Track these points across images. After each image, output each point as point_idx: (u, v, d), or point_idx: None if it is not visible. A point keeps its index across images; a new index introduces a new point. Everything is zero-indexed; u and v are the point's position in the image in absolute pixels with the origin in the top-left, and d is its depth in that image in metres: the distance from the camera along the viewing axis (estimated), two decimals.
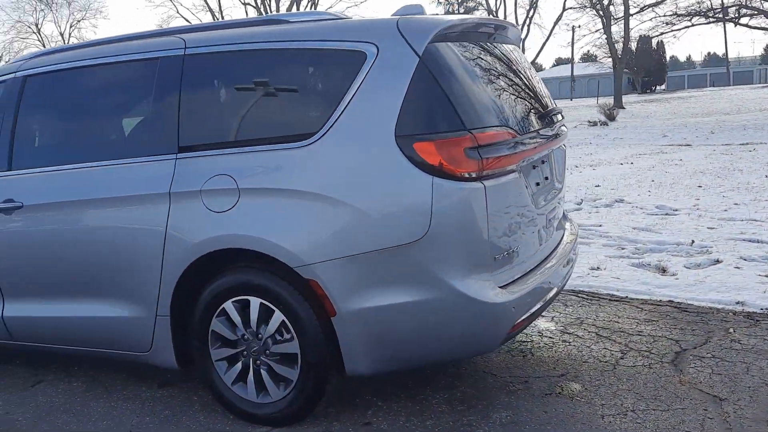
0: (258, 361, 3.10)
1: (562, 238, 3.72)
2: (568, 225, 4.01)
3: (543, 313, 3.69)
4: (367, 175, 2.82)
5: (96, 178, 3.35)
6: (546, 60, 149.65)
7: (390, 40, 2.87)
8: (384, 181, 2.79)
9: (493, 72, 3.23)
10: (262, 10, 44.98)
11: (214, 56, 3.23)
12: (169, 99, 3.24)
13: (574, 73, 62.53)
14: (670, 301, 4.48)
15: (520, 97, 3.34)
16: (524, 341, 3.93)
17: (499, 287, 2.89)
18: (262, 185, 2.96)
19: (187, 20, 51.41)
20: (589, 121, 26.22)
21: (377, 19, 3.06)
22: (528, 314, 3.00)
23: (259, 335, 3.06)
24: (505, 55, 3.50)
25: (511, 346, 3.85)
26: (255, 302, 3.03)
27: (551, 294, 3.24)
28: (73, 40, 65.60)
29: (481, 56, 3.20)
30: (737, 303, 4.33)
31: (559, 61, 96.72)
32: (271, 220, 2.95)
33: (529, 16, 48.88)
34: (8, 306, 3.65)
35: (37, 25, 66.70)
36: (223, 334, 3.14)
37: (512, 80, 3.36)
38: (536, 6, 49.15)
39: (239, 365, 3.14)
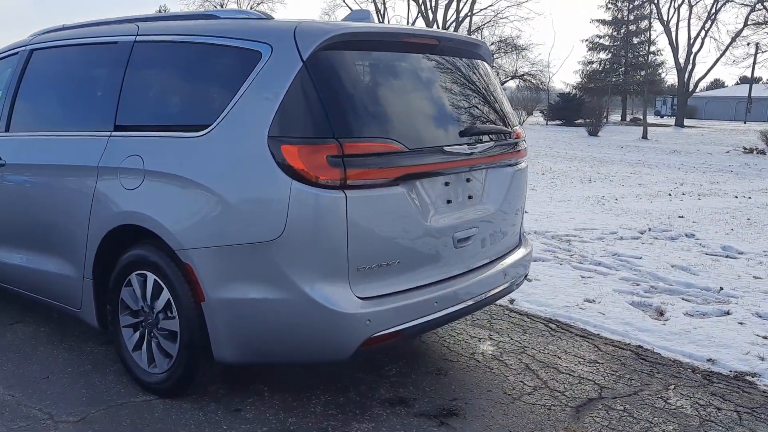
0: (151, 333, 3.31)
1: (493, 261, 3.60)
2: (517, 250, 3.87)
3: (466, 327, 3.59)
4: (240, 170, 2.93)
5: (53, 145, 3.75)
6: (730, 78, 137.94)
7: (283, 42, 2.94)
8: (253, 179, 2.89)
9: (407, 84, 3.20)
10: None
11: (152, 45, 3.48)
12: (116, 80, 3.53)
13: (758, 95, 57.50)
14: (639, 346, 4.17)
15: (438, 113, 3.28)
16: (451, 360, 3.85)
17: (360, 298, 2.89)
18: (161, 169, 3.16)
19: (350, 8, 53.13)
20: (745, 148, 24.12)
21: (281, 21, 3.13)
22: (390, 331, 2.96)
23: (153, 309, 3.28)
24: (446, 69, 3.45)
25: (434, 362, 3.79)
26: (150, 278, 3.25)
27: (439, 315, 3.17)
28: None
29: (395, 67, 3.18)
30: (708, 360, 3.95)
31: (743, 80, 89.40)
32: (163, 203, 3.15)
33: (705, 28, 45.55)
34: None
35: (222, 5, 71.92)
36: (129, 304, 3.39)
37: (435, 94, 3.32)
38: (714, 18, 45.67)
39: (137, 334, 3.38)
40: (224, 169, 2.98)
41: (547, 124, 44.08)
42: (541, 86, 48.61)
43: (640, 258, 6.40)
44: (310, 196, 2.77)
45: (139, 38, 3.53)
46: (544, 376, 3.66)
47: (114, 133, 3.44)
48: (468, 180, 3.42)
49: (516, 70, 48.83)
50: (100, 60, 3.73)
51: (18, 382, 3.48)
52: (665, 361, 3.95)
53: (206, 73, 3.28)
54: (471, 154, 3.33)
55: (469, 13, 46.39)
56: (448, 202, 3.28)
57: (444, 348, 4.05)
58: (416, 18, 48.79)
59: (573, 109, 41.97)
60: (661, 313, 4.79)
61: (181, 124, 3.19)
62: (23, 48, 4.23)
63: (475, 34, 48.01)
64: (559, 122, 43.30)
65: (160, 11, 67.95)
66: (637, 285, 5.48)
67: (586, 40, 59.59)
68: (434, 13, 45.56)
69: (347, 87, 2.93)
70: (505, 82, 49.40)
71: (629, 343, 4.21)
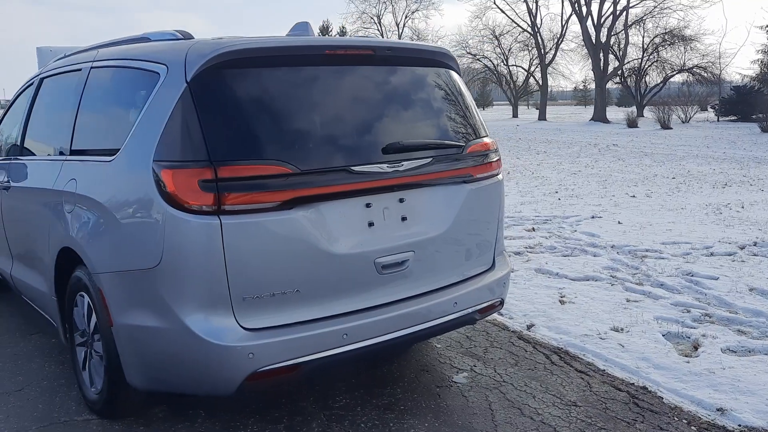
0: (90, 353, 3.39)
1: (439, 289, 3.27)
2: (484, 275, 3.50)
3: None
4: (133, 195, 2.90)
5: (36, 168, 3.98)
6: None
7: (176, 63, 2.87)
8: (141, 205, 2.84)
9: (314, 101, 2.98)
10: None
11: (98, 70, 3.57)
12: (74, 105, 3.66)
13: None
14: (643, 388, 3.60)
15: (353, 130, 3.04)
16: (409, 392, 3.56)
17: (247, 329, 2.74)
18: (85, 193, 3.22)
19: (501, 10, 52.18)
20: None
21: (190, 42, 3.04)
22: (283, 365, 2.78)
23: (89, 330, 3.34)
24: (381, 81, 3.21)
25: (390, 393, 3.53)
26: (85, 300, 3.32)
27: (349, 349, 2.93)
28: (406, 30, 71.18)
29: (299, 83, 2.98)
30: (717, 410, 3.32)
31: None
32: (85, 227, 3.20)
33: None
34: (14, 266, 4.47)
35: (378, 16, 73.96)
36: (77, 323, 3.49)
37: (354, 110, 3.08)
38: None
39: (83, 353, 3.47)
40: (123, 194, 2.97)
41: (718, 120, 40.31)
42: (712, 79, 44.61)
43: (716, 279, 5.57)
44: (183, 222, 2.67)
45: (94, 64, 3.64)
46: (499, 419, 3.26)
47: (68, 158, 3.56)
48: (401, 200, 3.14)
49: (684, 63, 45.28)
50: (69, 87, 3.89)
51: None
52: (662, 408, 3.37)
53: (123, 96, 3.30)
54: (394, 172, 3.04)
55: (627, 6, 43.66)
56: (370, 224, 3.03)
57: (412, 376, 3.76)
58: (570, 15, 46.85)
59: (749, 103, 37.95)
60: (696, 348, 4.11)
61: (104, 149, 3.22)
62: (37, 77, 4.53)
63: (636, 27, 45.18)
64: (734, 118, 39.40)
65: (323, 28, 70.93)
66: (688, 312, 4.76)
67: (766, 27, 53.86)
68: (588, 6, 43.38)
69: (230, 108, 2.79)
70: (671, 76, 45.97)
71: (633, 383, 3.65)
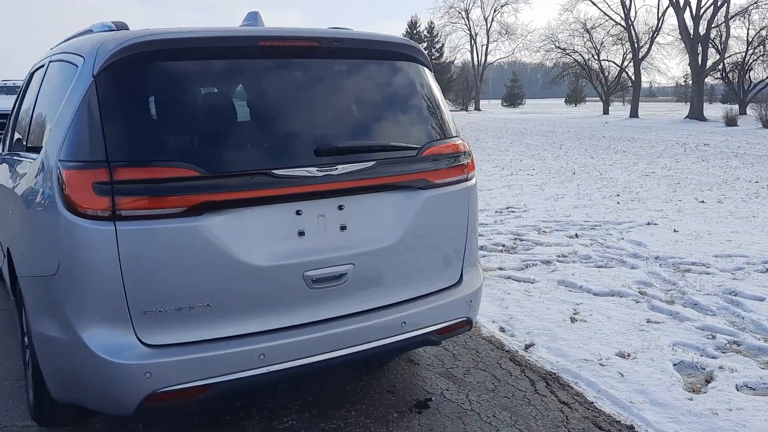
0: (27, 359, 3.28)
1: (386, 307, 2.95)
2: (446, 291, 3.15)
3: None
4: (43, 197, 2.73)
5: (5, 165, 3.89)
6: None
7: (90, 55, 2.68)
8: (46, 207, 2.67)
9: (234, 98, 2.73)
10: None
11: (51, 64, 3.44)
12: (33, 100, 3.56)
13: None
14: (629, 427, 3.15)
15: (279, 130, 2.76)
16: (359, 419, 3.25)
17: (149, 345, 2.52)
18: (17, 193, 3.09)
19: (595, 3, 50.29)
20: None
21: (106, 33, 2.85)
22: (188, 386, 2.54)
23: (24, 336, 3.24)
24: (324, 76, 2.94)
25: (340, 417, 3.23)
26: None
27: (267, 371, 2.66)
28: (495, 25, 69.89)
29: (220, 78, 2.73)
30: None
31: None
32: (14, 229, 3.08)
33: None
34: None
35: (466, 10, 73.07)
36: (20, 327, 3.39)
37: (283, 109, 2.80)
38: None
39: (27, 357, 3.37)
40: (37, 195, 2.81)
41: None
42: None
43: (762, 300, 4.92)
44: (76, 227, 2.47)
45: (51, 57, 3.53)
46: None
47: (21, 154, 3.46)
48: (341, 207, 2.83)
49: None
50: (36, 81, 3.80)
51: None
52: None
53: (55, 90, 3.14)
54: (325, 177, 2.74)
55: None
56: (301, 234, 2.74)
57: (375, 397, 3.44)
58: (667, 7, 44.49)
59: None
60: (707, 382, 3.58)
61: (35, 146, 3.09)
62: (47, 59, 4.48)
63: (741, 18, 42.39)
64: None
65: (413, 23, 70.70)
66: (712, 338, 4.19)
67: None
68: None
69: (135, 105, 2.57)
70: None
71: (619, 421, 3.20)
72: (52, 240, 2.59)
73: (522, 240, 7.14)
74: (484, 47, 76.35)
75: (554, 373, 3.75)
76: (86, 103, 2.56)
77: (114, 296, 2.48)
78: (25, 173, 3.06)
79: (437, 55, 77.02)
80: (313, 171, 2.71)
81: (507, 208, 9.20)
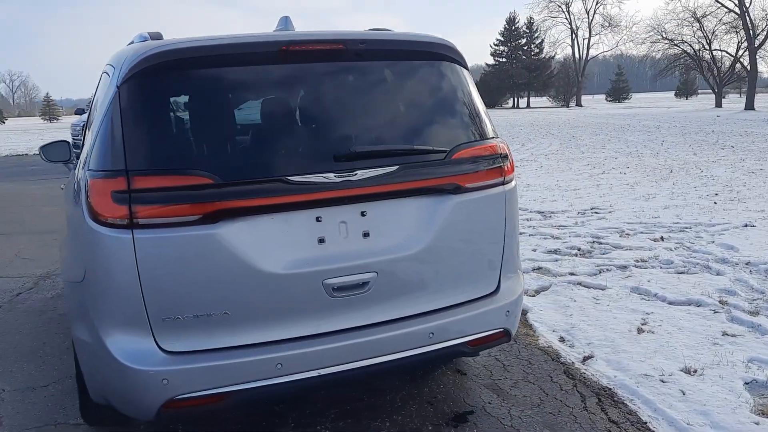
0: None
1: (413, 317, 2.86)
2: (480, 301, 3.01)
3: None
4: (77, 206, 2.82)
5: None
6: None
7: (117, 65, 2.75)
8: (77, 216, 2.75)
9: (255, 104, 2.72)
10: None
11: (101, 75, 3.55)
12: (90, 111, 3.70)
13: None
14: None
15: (297, 136, 2.73)
16: None
17: (168, 352, 2.55)
18: (65, 200, 3.22)
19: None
20: None
21: (138, 44, 2.89)
22: (204, 394, 2.55)
23: None
24: (349, 79, 2.88)
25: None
26: None
27: (285, 381, 2.63)
28: (597, 17, 67.51)
29: (241, 85, 2.71)
30: None
31: None
32: (65, 235, 3.21)
33: None
34: None
35: (567, 4, 71.00)
36: None
37: (305, 114, 2.77)
38: None
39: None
40: (73, 203, 2.91)
41: None
42: None
43: None
44: (98, 235, 2.53)
45: (103, 68, 3.65)
46: None
47: (75, 164, 3.61)
48: (363, 214, 2.76)
49: None
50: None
51: None
52: None
53: (96, 100, 3.24)
54: (344, 183, 2.67)
55: None
56: (321, 241, 2.69)
57: (413, 408, 3.34)
58: (750, 3, 41.30)
59: None
60: None
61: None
62: None
63: None
64: None
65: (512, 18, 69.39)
66: None
67: None
68: None
69: (155, 114, 2.60)
70: None
71: None
72: (80, 247, 2.67)
73: (601, 243, 6.79)
74: (586, 41, 74.06)
75: (609, 389, 3.51)
76: (110, 113, 2.62)
77: (133, 303, 2.51)
78: (71, 183, 3.18)
79: (537, 51, 75.39)
80: (330, 177, 2.65)
81: (591, 209, 8.80)
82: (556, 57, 77.27)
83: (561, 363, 3.87)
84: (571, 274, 5.69)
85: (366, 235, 2.76)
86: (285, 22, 3.22)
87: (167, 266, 2.50)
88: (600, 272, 5.69)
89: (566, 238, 7.04)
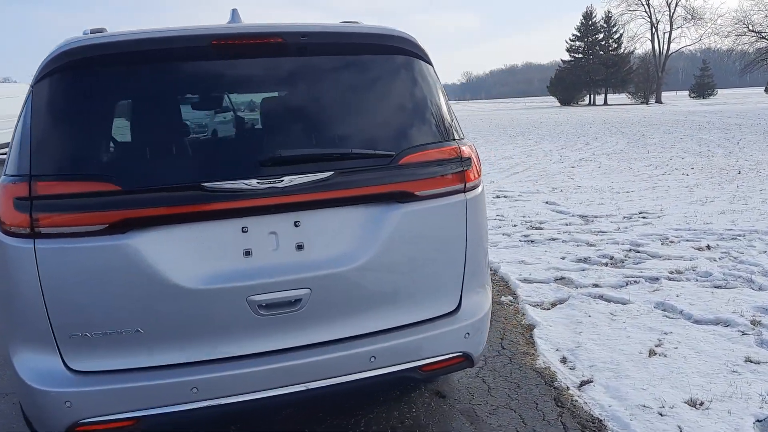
0: None
1: (353, 338, 2.59)
2: (436, 321, 2.72)
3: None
4: None
5: None
6: None
7: (44, 63, 2.59)
8: None
9: (173, 105, 2.51)
10: None
11: None
12: None
13: None
14: None
15: (218, 139, 2.51)
16: None
17: (76, 372, 2.38)
18: None
19: None
20: None
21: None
22: (111, 418, 2.37)
23: None
24: (288, 76, 2.64)
25: None
26: None
27: (200, 406, 2.42)
28: (679, 10, 64.58)
29: (160, 83, 2.50)
30: None
31: None
32: None
33: None
34: None
35: None
36: None
37: (223, 118, 2.53)
38: None
39: None
40: None
41: None
42: None
43: None
44: (1, 245, 2.37)
45: None
46: None
47: None
48: (297, 224, 2.51)
49: None
50: None
51: None
52: None
53: None
54: (269, 190, 2.42)
55: None
56: (247, 253, 2.46)
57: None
58: None
59: None
60: None
61: None
62: None
63: None
64: None
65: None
66: None
67: None
68: None
69: (61, 115, 2.41)
70: None
71: None
72: None
73: (637, 251, 6.28)
74: (667, 35, 70.96)
75: (599, 420, 3.13)
76: (23, 115, 2.48)
77: (37, 318, 2.35)
78: None
79: (614, 46, 72.94)
80: (253, 183, 2.41)
81: (639, 213, 8.22)
82: (635, 52, 74.49)
83: (554, 388, 3.50)
84: (595, 285, 5.25)
85: (300, 247, 2.51)
86: (233, 15, 3.00)
87: (73, 279, 2.33)
88: (627, 284, 5.22)
89: (601, 245, 6.55)
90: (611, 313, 4.55)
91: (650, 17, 71.20)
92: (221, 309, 2.43)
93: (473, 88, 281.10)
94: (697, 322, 4.33)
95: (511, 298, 5.08)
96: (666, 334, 4.12)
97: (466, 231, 2.76)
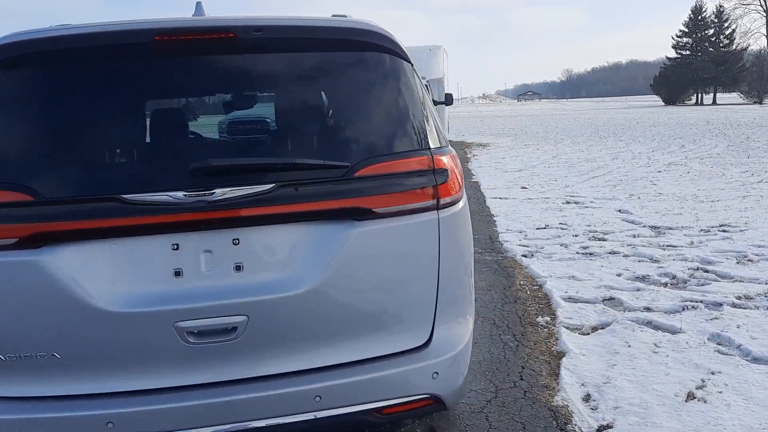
0: None
1: (299, 373, 2.29)
2: (400, 357, 2.37)
3: None
4: None
5: None
6: None
7: None
8: None
9: (99, 108, 2.26)
10: None
11: None
12: None
13: None
14: None
15: (148, 148, 2.26)
16: None
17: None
18: None
19: None
20: None
21: None
22: None
23: None
24: (239, 75, 2.37)
25: None
26: None
27: None
28: None
29: (89, 84, 2.26)
30: None
31: None
32: None
33: None
34: None
35: None
36: None
37: (156, 122, 2.28)
38: None
39: None
40: None
41: None
42: None
43: None
44: None
45: None
46: None
47: None
48: (235, 242, 2.23)
49: None
50: None
51: None
52: None
53: None
54: (197, 204, 2.14)
55: None
56: (177, 274, 2.20)
57: None
58: None
59: None
60: None
61: None
62: None
63: None
64: None
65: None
66: None
67: None
68: None
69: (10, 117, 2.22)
70: None
71: None
72: None
73: (706, 271, 5.61)
74: None
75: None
76: None
77: None
78: None
79: (726, 42, 68.74)
80: (178, 196, 2.14)
81: (720, 226, 7.44)
82: (749, 49, 69.85)
83: None
84: (646, 309, 4.69)
85: (238, 268, 2.23)
86: (198, 7, 2.74)
87: None
88: (683, 309, 4.63)
89: (666, 262, 5.91)
90: (655, 344, 4.01)
91: (766, 11, 66.52)
92: (145, 335, 2.18)
93: (573, 86, 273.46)
94: (755, 360, 3.73)
95: (548, 319, 4.60)
96: (713, 373, 3.55)
97: (439, 254, 2.39)
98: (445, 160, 2.43)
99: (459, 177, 2.49)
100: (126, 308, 2.15)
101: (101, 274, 2.14)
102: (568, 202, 9.50)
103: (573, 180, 11.99)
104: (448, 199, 2.41)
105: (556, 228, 7.67)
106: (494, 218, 8.51)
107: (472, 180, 12.74)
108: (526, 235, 7.33)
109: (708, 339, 4.06)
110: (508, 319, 4.63)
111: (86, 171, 2.18)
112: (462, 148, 21.15)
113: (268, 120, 2.37)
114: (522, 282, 5.55)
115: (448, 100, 20.17)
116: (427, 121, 2.46)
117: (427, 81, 19.56)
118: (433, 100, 19.07)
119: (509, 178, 12.77)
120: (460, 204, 2.47)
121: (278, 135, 2.35)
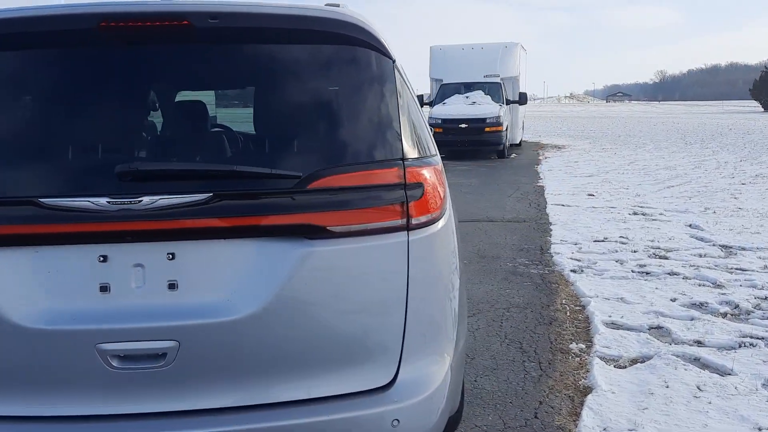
0: None
1: (214, 413, 2.02)
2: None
3: None
4: None
5: None
6: None
7: None
8: None
9: (27, 101, 2.05)
10: None
11: None
12: None
13: None
14: None
15: (80, 146, 2.02)
16: None
17: None
18: None
19: None
20: None
21: None
22: None
23: None
24: (177, 68, 2.11)
25: None
26: None
27: None
28: None
29: (21, 73, 2.05)
30: None
31: None
32: None
33: None
34: None
35: None
36: None
37: (87, 117, 2.04)
38: None
39: None
40: None
41: None
42: None
43: None
44: None
45: None
46: None
47: None
48: (171, 257, 1.96)
49: None
50: None
51: None
52: None
53: None
54: (122, 212, 1.89)
55: None
56: (104, 289, 1.96)
57: None
58: None
59: None
60: None
61: None
62: None
63: None
64: None
65: None
66: None
67: None
68: None
69: None
70: None
71: None
72: None
73: None
74: None
75: None
76: None
77: None
78: None
79: None
80: (101, 203, 1.88)
81: None
82: None
83: None
84: (698, 342, 4.16)
85: (172, 286, 1.97)
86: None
87: None
88: (739, 346, 4.08)
89: (730, 288, 5.31)
90: (698, 386, 3.51)
91: None
92: (64, 356, 1.95)
93: (667, 89, 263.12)
94: None
95: (583, 346, 4.15)
96: (760, 430, 3.05)
97: (408, 283, 2.05)
98: (424, 173, 2.08)
99: (440, 193, 2.14)
100: (43, 325, 1.92)
101: (17, 285, 1.92)
102: (635, 213, 8.86)
103: (646, 189, 11.24)
104: (422, 219, 2.06)
105: (615, 241, 7.10)
106: (551, 227, 8.00)
107: (538, 184, 12.17)
108: (581, 248, 6.81)
109: (762, 385, 3.53)
110: (538, 343, 4.21)
111: (6, 171, 1.96)
112: (535, 150, 20.43)
113: (217, 121, 2.09)
114: (564, 301, 5.09)
115: (522, 99, 19.50)
116: (406, 128, 2.11)
117: (501, 78, 18.96)
118: (507, 99, 18.47)
119: (577, 183, 12.13)
120: (440, 224, 2.12)
121: (225, 138, 2.08)
